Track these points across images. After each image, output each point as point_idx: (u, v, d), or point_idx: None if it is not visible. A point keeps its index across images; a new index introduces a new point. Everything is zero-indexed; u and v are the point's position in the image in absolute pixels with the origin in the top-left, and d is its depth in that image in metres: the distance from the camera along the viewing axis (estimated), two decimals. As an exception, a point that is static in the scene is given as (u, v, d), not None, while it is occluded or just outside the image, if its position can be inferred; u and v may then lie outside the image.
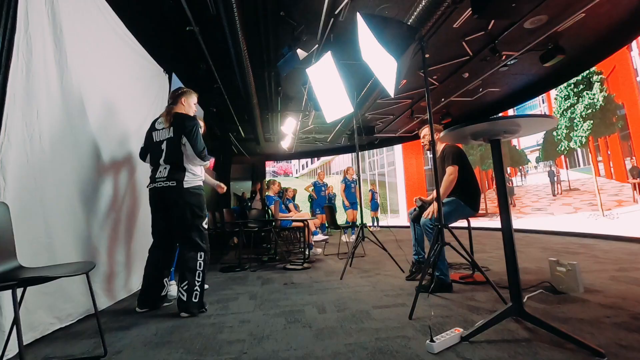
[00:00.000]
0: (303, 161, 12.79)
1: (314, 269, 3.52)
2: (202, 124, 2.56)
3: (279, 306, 2.16)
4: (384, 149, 11.12)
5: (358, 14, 2.48)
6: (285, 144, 8.11)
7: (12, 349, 1.50)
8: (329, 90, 4.02)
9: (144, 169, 3.12)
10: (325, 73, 3.97)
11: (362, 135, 9.32)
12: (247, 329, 1.74)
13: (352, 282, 2.79)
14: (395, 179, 10.95)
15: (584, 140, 5.51)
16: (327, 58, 3.86)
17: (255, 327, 1.78)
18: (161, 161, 2.21)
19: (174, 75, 4.00)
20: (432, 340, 1.40)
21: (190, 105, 2.42)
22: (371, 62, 2.80)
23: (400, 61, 2.24)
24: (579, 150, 5.67)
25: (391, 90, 2.56)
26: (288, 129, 7.41)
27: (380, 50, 2.30)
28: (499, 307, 1.57)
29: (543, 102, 6.66)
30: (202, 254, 2.16)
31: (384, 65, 2.49)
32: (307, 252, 3.97)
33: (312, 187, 7.60)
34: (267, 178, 11.72)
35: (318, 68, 4.05)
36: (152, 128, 2.33)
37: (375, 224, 9.83)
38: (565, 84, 5.92)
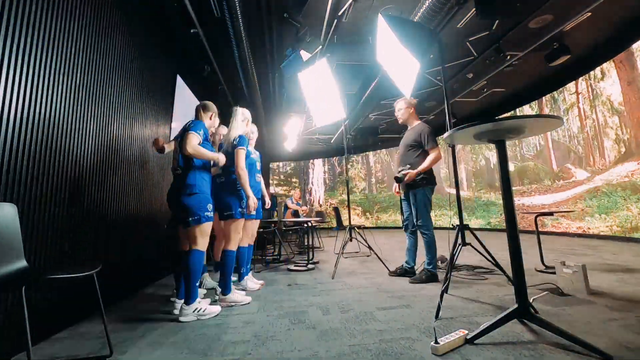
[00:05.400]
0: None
1: (318, 270, 3.52)
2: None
3: (282, 307, 2.16)
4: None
5: (380, 15, 2.57)
6: (289, 145, 8.14)
7: (19, 349, 1.52)
8: (322, 96, 4.08)
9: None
10: (320, 78, 4.01)
11: (357, 136, 9.31)
12: (251, 330, 1.75)
13: (356, 283, 2.79)
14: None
15: None
16: (322, 63, 3.91)
17: (259, 328, 1.78)
18: None
19: (178, 76, 4.02)
20: (436, 342, 1.39)
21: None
22: (387, 63, 2.83)
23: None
24: None
25: (407, 91, 2.71)
26: (291, 130, 7.43)
27: (402, 51, 2.37)
28: (505, 309, 1.55)
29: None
30: None
31: (403, 67, 2.55)
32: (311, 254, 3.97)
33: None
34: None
35: (311, 73, 4.09)
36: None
37: None
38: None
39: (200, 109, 2.40)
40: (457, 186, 2.36)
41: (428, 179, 2.81)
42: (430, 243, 2.76)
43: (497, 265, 2.22)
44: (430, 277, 2.69)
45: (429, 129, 2.86)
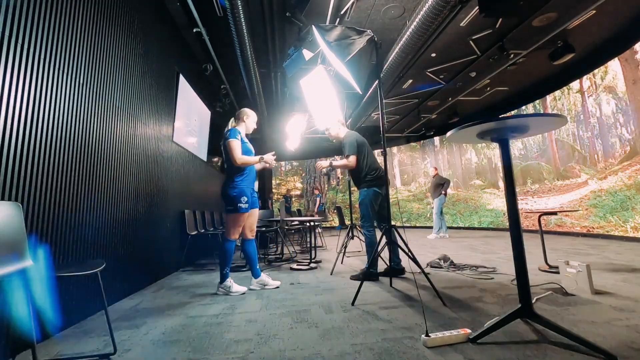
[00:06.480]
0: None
1: (320, 269, 3.52)
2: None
3: (285, 306, 2.16)
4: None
5: (313, 27, 2.82)
6: (291, 144, 8.14)
7: (24, 347, 1.54)
8: (323, 100, 4.18)
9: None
10: (321, 82, 4.08)
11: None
12: (254, 329, 1.75)
13: (358, 282, 2.78)
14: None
15: None
16: (320, 69, 4.00)
17: (262, 326, 1.79)
18: None
19: (180, 76, 4.04)
20: (427, 335, 1.43)
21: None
22: (336, 66, 3.07)
23: (349, 63, 2.74)
24: None
25: (358, 88, 3.18)
26: (293, 130, 7.43)
27: (333, 56, 2.72)
28: (508, 309, 1.55)
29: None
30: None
31: (343, 69, 2.83)
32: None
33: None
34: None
35: (312, 77, 4.15)
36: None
37: None
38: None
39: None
40: (386, 186, 2.60)
41: (370, 182, 2.91)
42: (368, 243, 2.84)
43: (415, 261, 2.24)
44: (366, 275, 2.70)
45: (349, 138, 2.99)
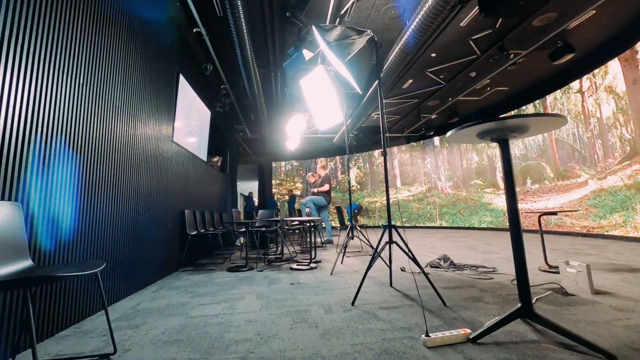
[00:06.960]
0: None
1: (320, 269, 3.52)
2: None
3: (285, 306, 2.16)
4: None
5: (313, 27, 2.82)
6: (291, 144, 8.14)
7: (24, 347, 1.54)
8: (323, 101, 4.22)
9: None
10: (321, 82, 4.10)
11: (359, 135, 9.37)
12: (254, 329, 1.75)
13: (358, 281, 2.78)
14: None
15: None
16: (320, 69, 4.02)
17: (262, 326, 1.79)
18: None
19: (180, 76, 4.03)
20: (427, 335, 1.43)
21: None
22: (336, 66, 3.09)
23: (349, 63, 2.75)
24: None
25: (359, 88, 3.23)
26: (294, 130, 7.43)
27: (333, 56, 2.74)
28: (508, 309, 1.55)
29: (552, 101, 6.51)
30: None
31: (343, 68, 2.83)
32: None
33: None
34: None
35: (312, 77, 4.16)
36: None
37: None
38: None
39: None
40: (387, 186, 2.55)
41: None
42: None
43: (415, 261, 2.20)
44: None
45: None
